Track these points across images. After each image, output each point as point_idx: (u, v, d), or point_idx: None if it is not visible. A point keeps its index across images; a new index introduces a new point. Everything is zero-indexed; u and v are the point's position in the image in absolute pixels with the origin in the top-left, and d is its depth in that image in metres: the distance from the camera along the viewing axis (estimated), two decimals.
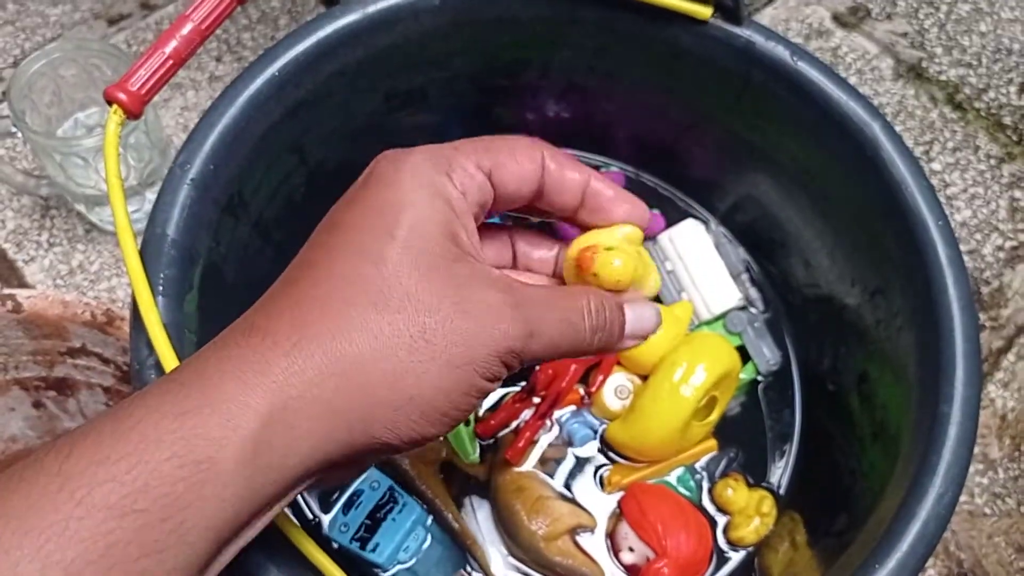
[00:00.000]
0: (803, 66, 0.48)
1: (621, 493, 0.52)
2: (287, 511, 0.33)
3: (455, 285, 0.29)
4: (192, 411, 0.26)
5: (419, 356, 0.28)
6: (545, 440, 0.53)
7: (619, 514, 0.52)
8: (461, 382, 0.29)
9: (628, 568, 0.50)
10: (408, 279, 0.28)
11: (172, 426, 0.25)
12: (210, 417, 0.26)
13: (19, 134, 0.56)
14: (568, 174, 0.34)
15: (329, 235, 0.30)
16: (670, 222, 0.60)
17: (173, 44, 0.42)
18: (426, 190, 0.30)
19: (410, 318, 0.28)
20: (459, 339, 0.28)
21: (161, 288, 0.40)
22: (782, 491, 0.54)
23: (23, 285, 0.64)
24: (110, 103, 0.41)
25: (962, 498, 0.57)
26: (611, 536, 0.51)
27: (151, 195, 0.63)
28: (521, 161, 0.33)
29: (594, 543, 0.51)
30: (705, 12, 0.48)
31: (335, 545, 0.49)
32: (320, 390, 0.27)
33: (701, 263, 0.57)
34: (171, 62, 0.42)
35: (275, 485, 0.27)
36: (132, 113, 0.41)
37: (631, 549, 0.50)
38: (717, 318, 0.57)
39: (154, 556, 0.25)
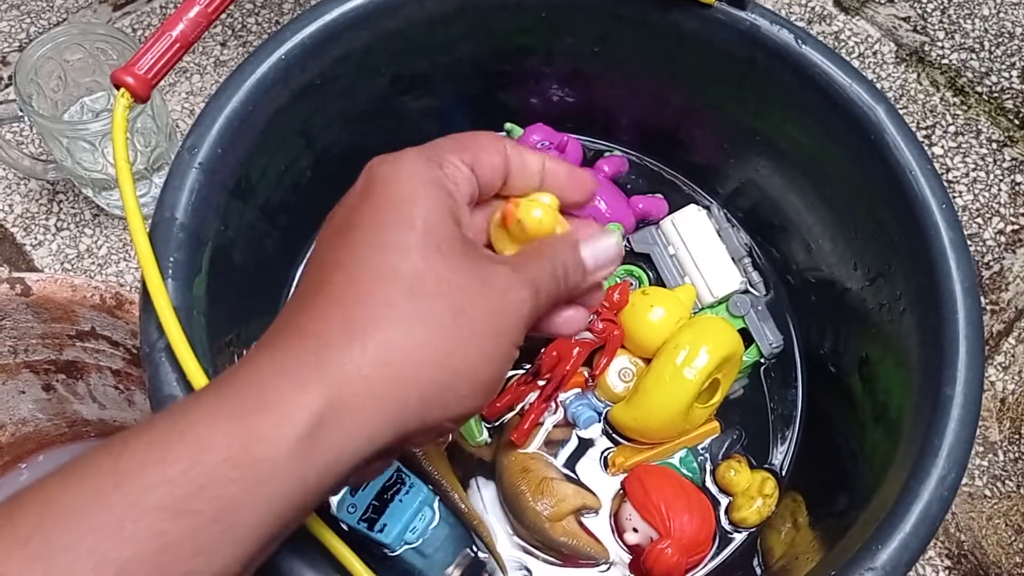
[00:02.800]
0: (808, 50, 0.48)
1: (625, 474, 0.53)
2: None
3: (474, 264, 0.31)
4: (248, 413, 0.26)
5: (460, 332, 0.29)
6: (550, 422, 0.54)
7: (623, 495, 0.52)
8: (500, 348, 0.31)
9: (632, 548, 0.51)
10: (435, 263, 0.30)
11: (228, 428, 0.26)
12: (266, 419, 0.26)
13: (26, 118, 0.57)
14: (528, 159, 0.36)
15: (348, 235, 0.31)
16: (673, 207, 0.60)
17: (180, 27, 0.42)
18: (428, 184, 0.32)
19: (446, 299, 0.29)
20: (490, 311, 0.30)
21: (170, 271, 0.40)
22: (784, 472, 0.54)
23: (31, 269, 0.64)
24: (118, 87, 0.41)
25: (963, 480, 0.57)
26: (615, 517, 0.52)
27: (158, 179, 0.64)
28: (491, 152, 0.35)
29: (598, 524, 0.52)
30: None
31: (343, 526, 0.49)
32: (373, 383, 0.28)
33: (703, 247, 0.58)
34: (178, 45, 0.42)
35: (326, 482, 0.28)
36: (140, 96, 0.42)
37: (635, 530, 0.50)
38: (720, 301, 0.57)
39: (205, 555, 0.25)
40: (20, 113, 0.57)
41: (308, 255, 0.34)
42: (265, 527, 0.27)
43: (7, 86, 0.71)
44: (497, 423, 0.54)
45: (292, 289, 0.56)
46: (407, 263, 0.30)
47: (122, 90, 0.41)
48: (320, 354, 0.28)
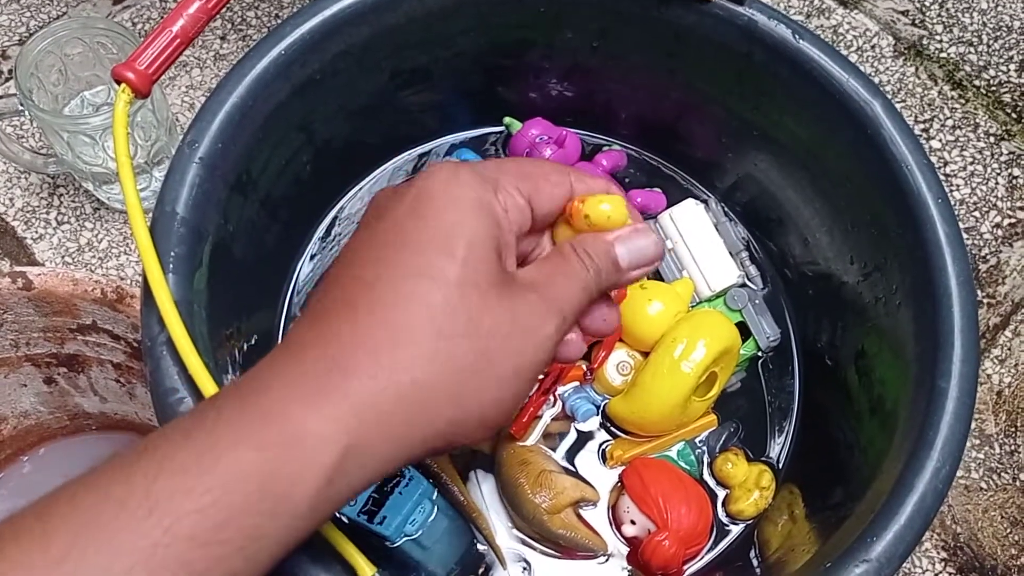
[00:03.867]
0: (805, 45, 0.48)
1: (623, 467, 0.53)
2: None
3: (506, 300, 0.31)
4: (275, 445, 0.27)
5: (481, 374, 0.30)
6: (548, 415, 0.54)
7: (621, 487, 0.52)
8: (519, 387, 0.31)
9: (630, 540, 0.51)
10: (469, 299, 0.30)
11: (256, 459, 0.27)
12: (292, 453, 0.27)
13: (26, 112, 0.57)
14: (593, 187, 0.35)
15: (384, 250, 0.31)
16: (671, 201, 0.60)
17: (180, 23, 0.43)
18: (478, 209, 0.31)
19: (474, 343, 0.30)
20: (515, 352, 0.31)
21: (171, 266, 0.40)
22: (781, 465, 0.55)
23: (32, 263, 0.64)
24: (119, 82, 0.41)
25: (958, 473, 0.58)
26: (613, 509, 0.52)
27: (158, 173, 0.64)
28: (554, 184, 0.34)
29: (596, 516, 0.52)
30: None
31: (343, 518, 0.50)
32: (392, 419, 0.29)
33: (701, 241, 0.58)
34: (178, 41, 0.43)
35: (338, 506, 0.29)
36: (140, 92, 0.42)
37: (633, 522, 0.51)
38: (717, 295, 0.57)
39: None
40: (21, 107, 0.57)
41: (339, 253, 0.34)
42: (281, 552, 0.28)
43: (7, 80, 0.71)
44: None
45: (292, 283, 0.57)
46: (443, 299, 0.29)
47: (123, 86, 0.41)
48: (346, 390, 0.28)
